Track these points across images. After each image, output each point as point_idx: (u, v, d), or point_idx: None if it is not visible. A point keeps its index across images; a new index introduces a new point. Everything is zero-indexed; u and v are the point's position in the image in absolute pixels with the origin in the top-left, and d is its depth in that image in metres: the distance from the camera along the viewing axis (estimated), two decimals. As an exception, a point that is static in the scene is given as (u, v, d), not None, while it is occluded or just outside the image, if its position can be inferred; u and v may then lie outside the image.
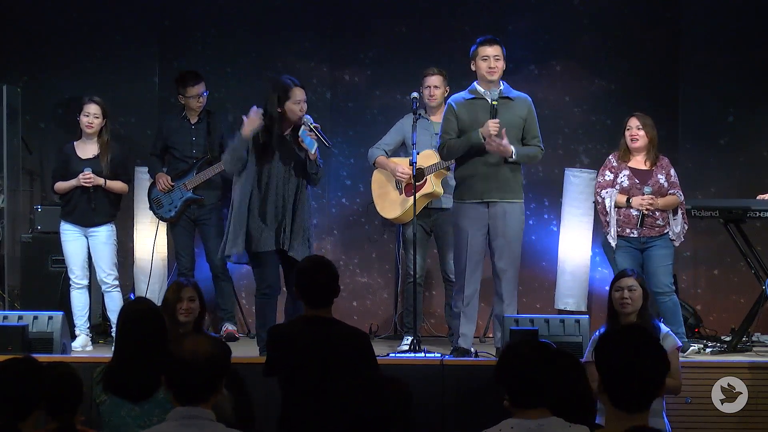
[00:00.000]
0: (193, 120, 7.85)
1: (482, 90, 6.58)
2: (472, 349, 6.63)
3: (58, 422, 3.86)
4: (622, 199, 6.87)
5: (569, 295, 8.09)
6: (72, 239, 7.35)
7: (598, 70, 8.60)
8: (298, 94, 6.51)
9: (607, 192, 6.92)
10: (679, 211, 6.89)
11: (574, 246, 8.14)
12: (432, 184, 7.35)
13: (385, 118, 8.27)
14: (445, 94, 7.48)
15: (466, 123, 6.55)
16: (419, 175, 7.12)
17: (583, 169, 8.29)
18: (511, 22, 8.59)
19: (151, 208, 7.85)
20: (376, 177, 7.76)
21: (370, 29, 8.73)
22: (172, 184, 7.74)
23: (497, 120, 6.43)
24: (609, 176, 6.99)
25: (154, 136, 8.02)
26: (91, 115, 7.33)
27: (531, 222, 8.49)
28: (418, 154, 6.92)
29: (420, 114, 7.25)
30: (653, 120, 7.07)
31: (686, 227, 6.94)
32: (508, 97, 6.61)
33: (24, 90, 8.49)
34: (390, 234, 8.49)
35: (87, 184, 7.26)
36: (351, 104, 8.69)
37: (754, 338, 7.42)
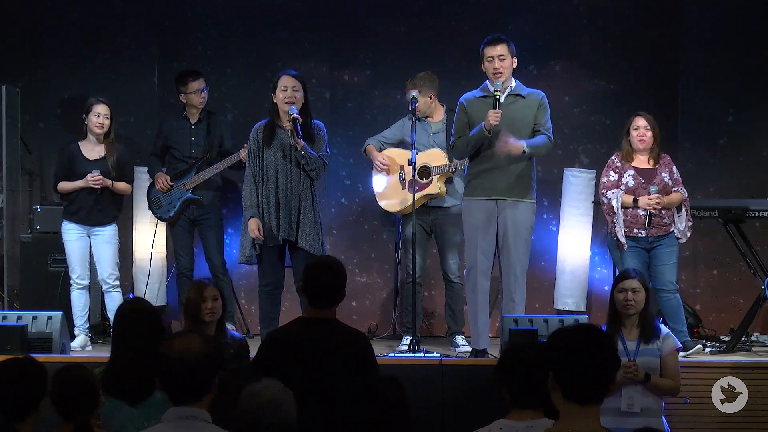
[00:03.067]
0: (193, 120, 7.85)
1: (492, 87, 6.55)
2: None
3: (74, 424, 3.81)
4: (629, 199, 6.80)
5: (568, 295, 8.08)
6: (74, 238, 7.33)
7: (598, 70, 8.59)
8: (283, 81, 6.67)
9: (612, 193, 6.85)
10: (683, 208, 6.85)
11: (574, 246, 8.14)
12: (437, 185, 7.36)
13: (385, 118, 8.27)
14: (429, 102, 7.44)
15: (475, 121, 6.52)
16: (426, 173, 7.12)
17: (582, 169, 8.29)
18: (511, 22, 8.58)
19: (150, 208, 7.85)
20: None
21: (370, 29, 8.72)
22: (171, 184, 7.74)
23: (498, 111, 6.39)
24: (614, 177, 6.92)
25: (153, 136, 8.03)
26: (102, 115, 7.31)
27: (531, 222, 8.49)
28: (417, 153, 6.92)
29: (418, 116, 7.25)
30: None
31: (691, 224, 6.89)
32: (519, 95, 6.60)
33: (24, 90, 8.47)
34: (389, 234, 8.49)
35: (96, 186, 7.25)
36: (350, 104, 8.68)
37: (753, 338, 7.42)
